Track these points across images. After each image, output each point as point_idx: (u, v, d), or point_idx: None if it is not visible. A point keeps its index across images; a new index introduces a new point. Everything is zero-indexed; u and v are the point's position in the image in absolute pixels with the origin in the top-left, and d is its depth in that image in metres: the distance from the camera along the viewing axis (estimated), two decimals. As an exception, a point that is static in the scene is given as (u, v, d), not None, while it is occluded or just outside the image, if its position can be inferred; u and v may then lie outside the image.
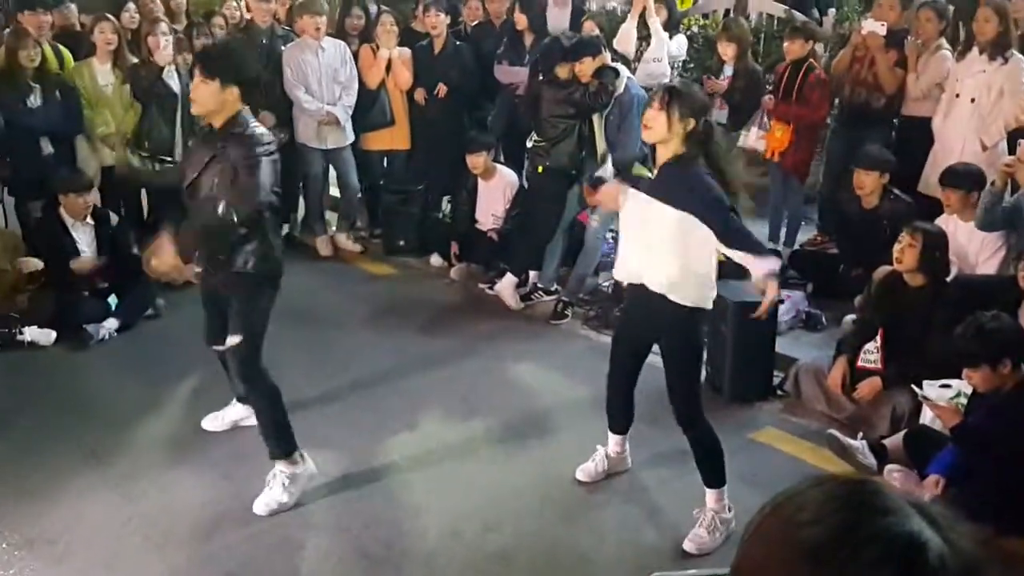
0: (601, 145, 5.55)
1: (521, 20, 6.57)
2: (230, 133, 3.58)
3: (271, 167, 3.55)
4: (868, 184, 5.38)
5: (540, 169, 5.73)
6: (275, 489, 3.80)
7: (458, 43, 6.79)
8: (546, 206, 5.84)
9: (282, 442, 3.84)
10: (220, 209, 3.49)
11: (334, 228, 7.12)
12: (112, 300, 5.57)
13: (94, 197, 5.71)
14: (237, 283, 3.71)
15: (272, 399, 3.83)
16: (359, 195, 7.06)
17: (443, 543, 3.62)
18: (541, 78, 5.69)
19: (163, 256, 3.56)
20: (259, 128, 3.65)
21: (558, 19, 6.81)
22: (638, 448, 4.10)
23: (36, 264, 5.40)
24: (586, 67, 5.43)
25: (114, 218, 5.86)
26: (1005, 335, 3.59)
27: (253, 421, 4.33)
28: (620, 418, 3.97)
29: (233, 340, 3.74)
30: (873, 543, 0.87)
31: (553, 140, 5.62)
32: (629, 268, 3.59)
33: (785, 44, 6.12)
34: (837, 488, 0.94)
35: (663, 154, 3.41)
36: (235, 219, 3.48)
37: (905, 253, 4.36)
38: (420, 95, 6.70)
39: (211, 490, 3.93)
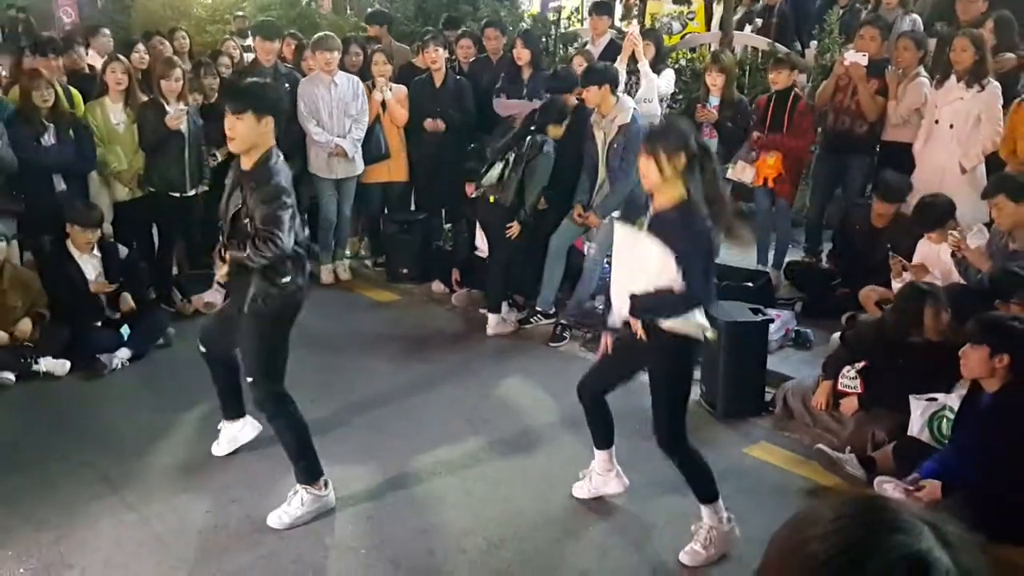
0: (602, 173, 5.63)
1: (524, 55, 6.69)
2: (257, 172, 3.62)
3: (290, 219, 3.61)
4: (888, 213, 5.60)
5: (492, 200, 5.79)
6: (293, 504, 3.86)
7: (459, 77, 6.92)
8: (499, 241, 5.93)
9: (308, 469, 3.90)
10: (247, 251, 3.61)
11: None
12: (124, 330, 5.64)
13: (97, 235, 5.72)
14: (250, 318, 3.78)
15: (297, 432, 3.87)
16: (349, 224, 7.15)
17: (449, 561, 3.67)
18: None
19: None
20: (283, 174, 3.66)
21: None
22: (636, 464, 4.12)
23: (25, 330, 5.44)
24: (592, 95, 5.49)
25: (123, 250, 5.96)
26: (1019, 332, 3.68)
27: (249, 436, 4.41)
28: (599, 431, 3.95)
29: (248, 380, 3.87)
30: (877, 558, 0.87)
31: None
32: (617, 299, 3.55)
33: (771, 75, 6.24)
34: (848, 505, 0.95)
35: (661, 200, 3.38)
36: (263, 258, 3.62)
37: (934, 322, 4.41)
38: (431, 125, 6.77)
39: (222, 513, 3.97)
